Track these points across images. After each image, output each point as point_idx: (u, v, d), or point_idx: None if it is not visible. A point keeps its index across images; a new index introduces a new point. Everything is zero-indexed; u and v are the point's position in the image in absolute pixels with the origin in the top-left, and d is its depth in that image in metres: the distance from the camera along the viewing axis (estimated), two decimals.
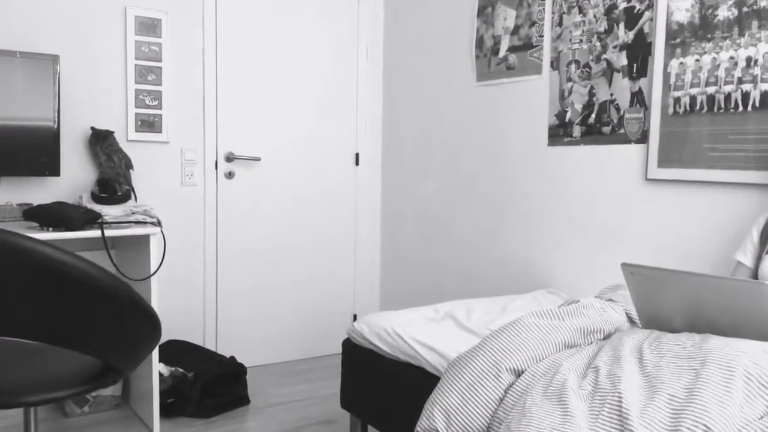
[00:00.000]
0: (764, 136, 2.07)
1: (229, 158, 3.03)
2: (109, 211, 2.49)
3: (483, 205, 3.12)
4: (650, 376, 1.33)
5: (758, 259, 1.91)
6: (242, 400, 2.87)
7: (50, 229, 2.32)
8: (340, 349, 3.47)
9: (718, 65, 2.19)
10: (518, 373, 1.58)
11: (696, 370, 1.27)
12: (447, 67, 3.29)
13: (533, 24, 2.84)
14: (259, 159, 3.16)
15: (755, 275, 1.91)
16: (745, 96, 2.13)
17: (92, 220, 2.39)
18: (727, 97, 2.17)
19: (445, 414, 1.59)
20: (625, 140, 2.50)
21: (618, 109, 2.52)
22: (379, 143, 3.75)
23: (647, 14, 2.41)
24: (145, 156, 3.07)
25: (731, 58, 2.16)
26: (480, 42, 3.09)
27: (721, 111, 2.19)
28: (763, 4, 2.07)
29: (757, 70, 2.10)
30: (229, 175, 3.21)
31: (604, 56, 2.56)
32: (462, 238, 3.25)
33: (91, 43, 2.90)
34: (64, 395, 1.48)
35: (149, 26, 3.04)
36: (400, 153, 3.63)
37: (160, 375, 2.67)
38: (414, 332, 2.08)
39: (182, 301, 3.24)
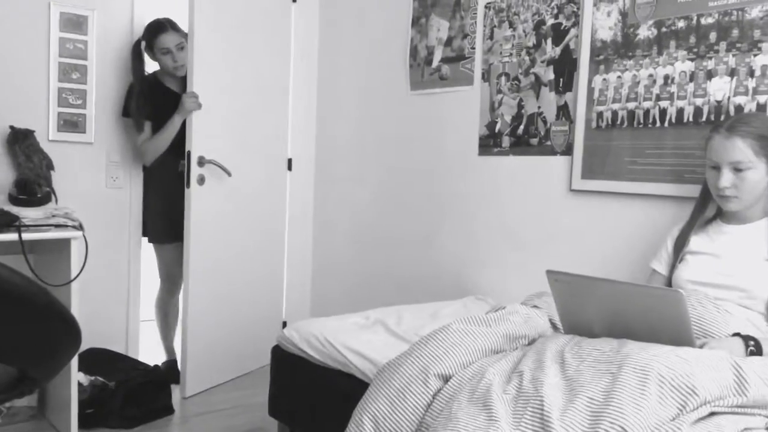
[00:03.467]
0: (680, 151, 2.18)
1: (201, 162, 2.95)
2: (28, 214, 2.39)
3: (415, 212, 3.16)
4: (571, 379, 1.37)
5: (672, 267, 2.00)
6: (167, 409, 2.79)
7: None
8: (269, 357, 3.43)
9: (638, 82, 2.30)
10: (446, 379, 1.61)
11: (613, 373, 1.32)
12: (381, 74, 3.32)
13: (465, 36, 2.90)
14: (230, 175, 3.10)
15: (669, 283, 2.00)
16: (663, 112, 2.23)
17: (9, 222, 2.29)
18: (646, 112, 2.28)
19: (374, 420, 1.59)
20: (552, 152, 2.58)
21: (545, 121, 2.60)
22: (313, 149, 3.74)
23: (573, 31, 2.50)
24: (68, 157, 2.97)
25: (650, 75, 2.27)
26: (414, 51, 3.13)
27: (641, 126, 2.29)
28: (680, 24, 2.19)
29: (674, 88, 2.21)
30: None
31: (532, 70, 2.64)
32: (394, 245, 3.27)
33: (11, 39, 2.79)
34: None
35: (75, 23, 2.94)
36: (334, 159, 3.63)
37: (79, 384, 2.57)
38: (344, 339, 2.08)
39: (104, 308, 3.14)
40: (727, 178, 1.81)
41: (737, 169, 1.80)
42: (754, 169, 1.79)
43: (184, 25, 2.99)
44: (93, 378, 2.65)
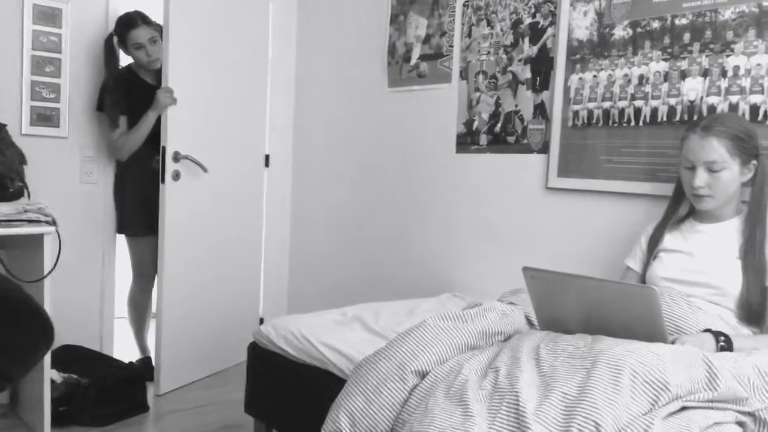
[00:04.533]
0: (653, 150, 2.21)
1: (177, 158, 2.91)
2: (0, 209, 2.35)
3: (393, 209, 3.16)
4: (546, 375, 1.39)
5: (646, 265, 2.03)
6: (141, 407, 2.77)
7: None
8: (245, 354, 3.42)
9: (614, 82, 2.32)
10: (423, 375, 1.61)
11: (587, 369, 1.34)
12: (359, 71, 3.31)
13: (444, 34, 2.91)
14: (206, 170, 3.07)
15: (643, 279, 2.03)
16: (637, 112, 2.26)
17: None
18: (621, 112, 2.30)
19: (350, 417, 1.59)
20: (528, 150, 2.60)
21: (522, 119, 2.62)
22: (290, 145, 3.72)
23: (550, 30, 2.52)
24: (41, 151, 2.92)
25: (625, 75, 2.29)
26: (392, 49, 3.13)
27: (616, 125, 2.32)
28: (655, 25, 2.22)
29: (648, 88, 2.24)
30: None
31: (509, 69, 2.66)
32: (371, 242, 3.27)
33: None
34: None
35: (49, 16, 2.90)
36: (312, 155, 3.62)
37: (52, 382, 2.54)
38: (321, 335, 2.08)
39: (78, 305, 3.10)
40: (701, 177, 1.84)
41: (712, 170, 1.83)
42: (728, 169, 1.82)
43: (159, 16, 2.95)
44: (66, 375, 2.62)
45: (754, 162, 1.85)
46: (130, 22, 2.97)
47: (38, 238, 2.39)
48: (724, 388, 1.34)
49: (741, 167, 1.84)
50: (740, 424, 1.36)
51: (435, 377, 1.57)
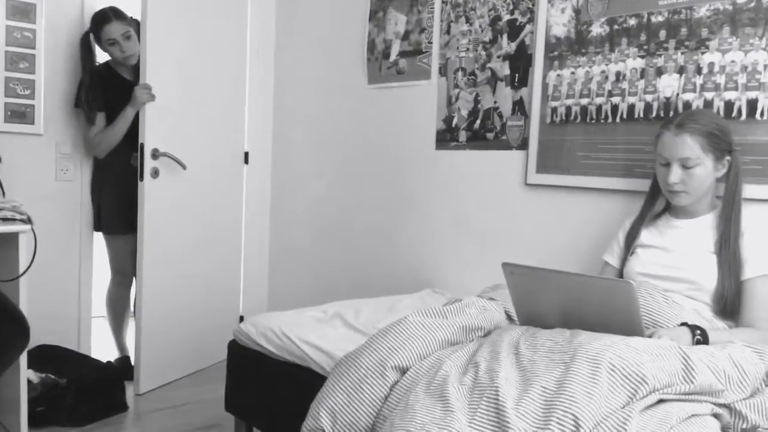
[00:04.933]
0: (630, 146, 2.24)
1: (155, 155, 2.87)
2: None
3: (373, 205, 3.16)
4: (525, 369, 1.40)
5: (623, 260, 2.05)
6: (121, 406, 2.74)
7: None
8: (225, 352, 3.40)
9: (591, 78, 2.34)
10: (403, 371, 1.62)
11: (566, 363, 1.35)
12: (339, 68, 3.30)
13: (423, 30, 2.91)
14: (185, 168, 3.04)
15: (621, 275, 2.05)
16: (615, 108, 2.28)
17: None
18: (599, 108, 2.32)
19: (331, 413, 1.59)
20: (507, 146, 2.61)
21: (501, 116, 2.63)
22: (270, 142, 3.71)
23: (528, 27, 2.53)
24: (15, 149, 2.88)
25: (603, 72, 2.31)
26: (372, 45, 3.13)
27: (593, 121, 2.34)
28: (631, 22, 2.24)
29: (625, 85, 2.26)
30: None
31: (488, 65, 2.67)
32: (352, 239, 3.27)
33: None
34: None
35: (22, 11, 2.85)
36: (291, 152, 3.61)
37: (29, 382, 2.50)
38: (301, 332, 2.08)
39: (55, 304, 3.06)
40: (676, 174, 1.86)
41: (686, 166, 1.85)
42: (702, 165, 1.85)
43: (137, 12, 2.92)
44: (43, 375, 2.59)
45: (728, 158, 1.88)
46: (103, 17, 2.94)
47: (13, 237, 2.36)
48: (700, 381, 1.36)
49: (715, 163, 1.86)
50: (716, 416, 1.38)
51: (415, 373, 1.58)
